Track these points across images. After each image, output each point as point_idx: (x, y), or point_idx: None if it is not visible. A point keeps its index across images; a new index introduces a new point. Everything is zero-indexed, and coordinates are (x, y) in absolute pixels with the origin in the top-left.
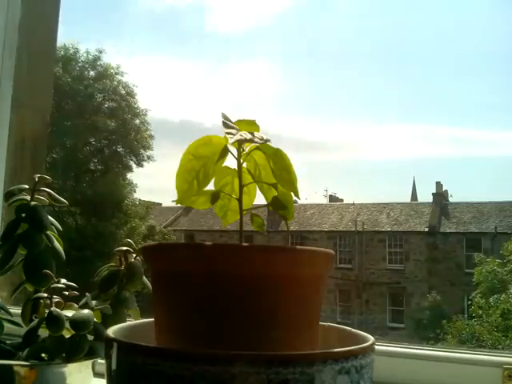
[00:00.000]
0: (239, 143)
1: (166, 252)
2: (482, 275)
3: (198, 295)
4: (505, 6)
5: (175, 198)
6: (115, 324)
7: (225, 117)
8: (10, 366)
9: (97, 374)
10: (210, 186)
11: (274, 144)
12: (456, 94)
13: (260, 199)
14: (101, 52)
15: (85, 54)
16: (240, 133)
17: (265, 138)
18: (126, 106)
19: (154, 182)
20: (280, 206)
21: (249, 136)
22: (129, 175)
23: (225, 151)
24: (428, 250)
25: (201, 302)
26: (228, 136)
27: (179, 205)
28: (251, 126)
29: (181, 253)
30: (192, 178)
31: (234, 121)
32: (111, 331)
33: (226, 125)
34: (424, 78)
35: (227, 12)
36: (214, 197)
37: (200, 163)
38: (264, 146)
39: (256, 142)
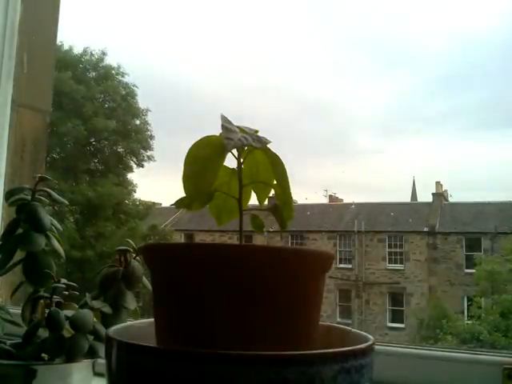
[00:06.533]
0: None
1: (166, 252)
2: (482, 273)
3: (197, 295)
4: None
5: (175, 202)
6: (115, 324)
7: (224, 119)
8: (10, 365)
9: (97, 374)
10: None
11: None
12: None
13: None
14: (104, 54)
15: (87, 56)
16: (239, 137)
17: (264, 140)
18: (127, 107)
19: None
20: (278, 213)
21: (248, 140)
22: (129, 175)
23: (223, 154)
24: (428, 249)
25: (200, 301)
26: (226, 142)
27: (180, 209)
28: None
29: (180, 253)
30: (196, 181)
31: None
32: (111, 331)
33: (225, 128)
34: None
35: None
36: (207, 198)
37: (201, 165)
38: (264, 147)
39: (255, 147)
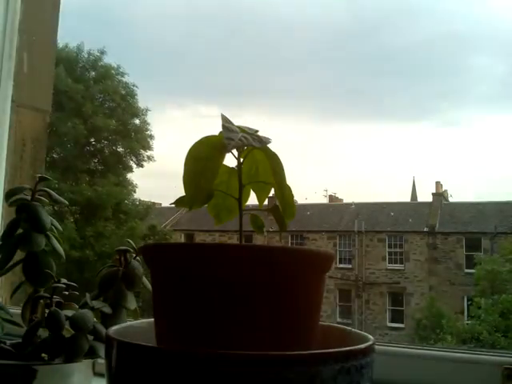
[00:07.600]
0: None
1: (166, 252)
2: (482, 273)
3: (197, 295)
4: None
5: (175, 201)
6: (115, 324)
7: (224, 119)
8: (10, 365)
9: (97, 374)
10: None
11: None
12: None
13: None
14: (102, 53)
15: (86, 55)
16: (240, 136)
17: (264, 140)
18: (126, 106)
19: None
20: (278, 214)
21: (248, 140)
22: (128, 175)
23: (223, 154)
24: (428, 249)
25: (200, 301)
26: (227, 142)
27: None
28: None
29: (180, 253)
30: (197, 181)
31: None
32: (111, 331)
33: (225, 128)
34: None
35: None
36: (207, 197)
37: (201, 165)
38: (263, 147)
39: (255, 146)
